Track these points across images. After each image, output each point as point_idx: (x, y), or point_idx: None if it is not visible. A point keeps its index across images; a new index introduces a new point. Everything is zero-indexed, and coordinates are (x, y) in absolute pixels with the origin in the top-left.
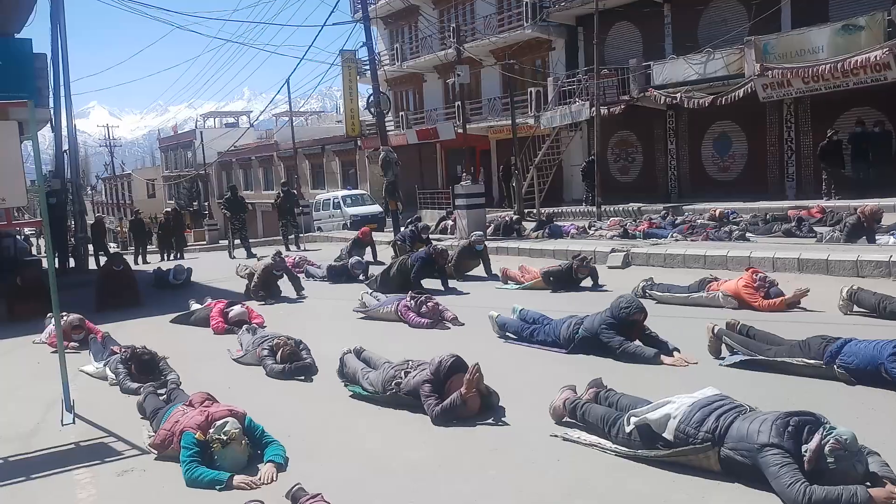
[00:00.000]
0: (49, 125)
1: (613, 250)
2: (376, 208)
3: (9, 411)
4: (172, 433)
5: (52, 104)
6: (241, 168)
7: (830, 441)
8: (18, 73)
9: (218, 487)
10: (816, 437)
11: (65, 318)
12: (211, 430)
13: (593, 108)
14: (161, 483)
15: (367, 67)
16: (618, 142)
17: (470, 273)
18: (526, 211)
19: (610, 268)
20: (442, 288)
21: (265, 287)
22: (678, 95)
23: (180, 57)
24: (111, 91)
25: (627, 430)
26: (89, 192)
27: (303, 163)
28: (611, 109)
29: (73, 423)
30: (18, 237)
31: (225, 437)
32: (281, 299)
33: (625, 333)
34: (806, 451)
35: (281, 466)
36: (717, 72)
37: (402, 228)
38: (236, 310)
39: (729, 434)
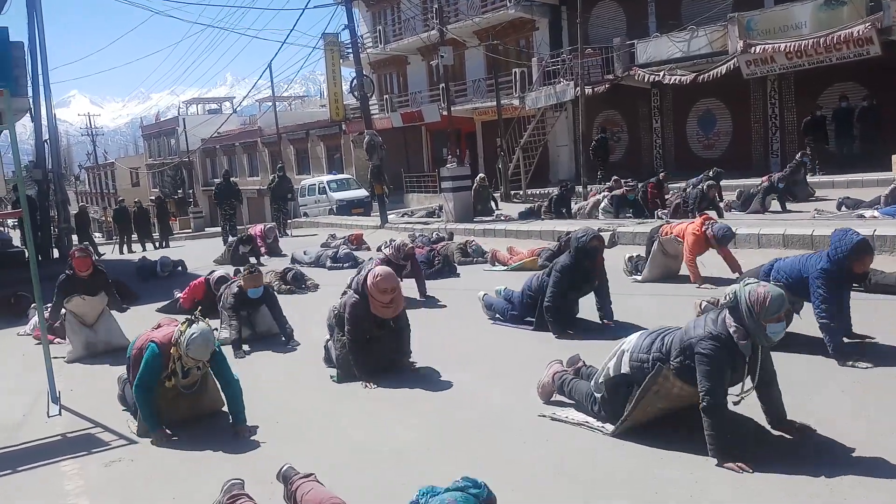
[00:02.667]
0: (28, 115)
1: (600, 230)
2: (362, 192)
3: None
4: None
5: (31, 93)
6: (224, 155)
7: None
8: None
9: (149, 429)
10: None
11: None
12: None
13: (578, 88)
14: (149, 473)
15: (350, 51)
16: (603, 121)
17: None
18: (512, 192)
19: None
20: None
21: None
22: (662, 73)
23: (161, 43)
24: (92, 79)
25: (598, 395)
26: (72, 181)
27: (287, 148)
28: (595, 89)
29: (60, 414)
30: (1, 229)
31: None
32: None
33: (586, 266)
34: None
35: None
36: (700, 49)
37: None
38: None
39: (672, 346)
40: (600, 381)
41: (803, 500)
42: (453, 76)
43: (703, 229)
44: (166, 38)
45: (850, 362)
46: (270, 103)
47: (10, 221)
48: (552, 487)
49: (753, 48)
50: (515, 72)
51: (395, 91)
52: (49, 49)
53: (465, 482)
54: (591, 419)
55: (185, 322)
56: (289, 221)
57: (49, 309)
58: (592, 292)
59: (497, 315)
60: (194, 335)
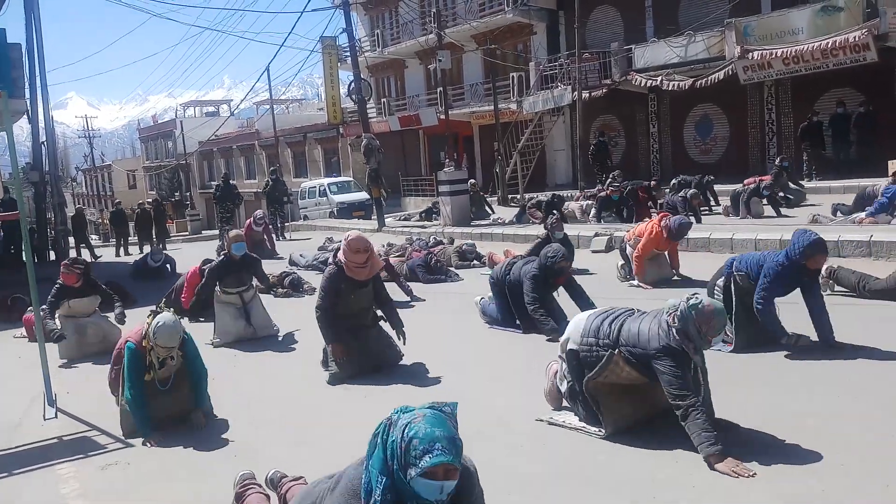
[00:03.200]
0: (26, 117)
1: (597, 234)
2: (363, 195)
3: None
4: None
5: (28, 95)
6: (222, 157)
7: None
8: None
9: (140, 432)
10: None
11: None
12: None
13: (575, 93)
14: (145, 476)
15: (348, 54)
16: (600, 126)
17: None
18: (510, 196)
19: (593, 252)
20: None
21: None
22: (659, 79)
23: (158, 45)
24: (89, 81)
25: (568, 385)
26: (69, 183)
27: (285, 151)
28: (593, 93)
29: (56, 417)
30: None
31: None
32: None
33: (550, 282)
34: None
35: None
36: (698, 54)
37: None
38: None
39: (622, 335)
40: (564, 361)
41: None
42: (451, 80)
43: (660, 224)
44: (164, 41)
45: (792, 341)
46: (268, 106)
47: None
48: (550, 491)
49: (751, 54)
50: (513, 76)
51: (393, 95)
52: (46, 51)
53: (433, 404)
54: (587, 425)
55: (150, 315)
56: (287, 225)
57: (44, 312)
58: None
59: (492, 319)
60: (160, 323)
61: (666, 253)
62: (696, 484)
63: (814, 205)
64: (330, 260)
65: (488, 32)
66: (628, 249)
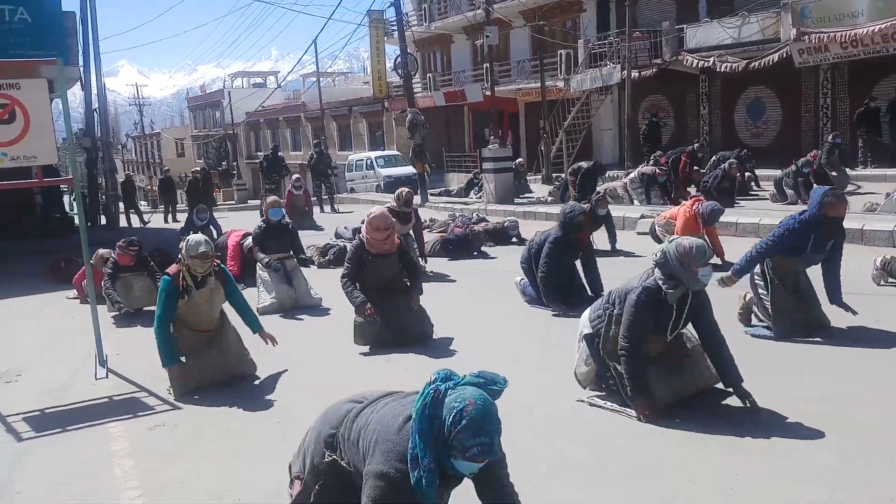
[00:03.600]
0: (79, 84)
1: (643, 216)
2: (410, 169)
3: (47, 365)
4: None
5: (81, 62)
6: (268, 128)
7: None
8: (48, 32)
9: (166, 363)
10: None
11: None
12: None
13: (624, 72)
14: (192, 437)
15: (395, 28)
16: (649, 106)
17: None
18: (554, 175)
19: (639, 234)
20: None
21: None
22: (711, 59)
23: (208, 16)
24: (140, 50)
25: (585, 367)
26: (119, 150)
27: (330, 124)
28: (642, 73)
29: (107, 377)
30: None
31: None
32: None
33: (573, 242)
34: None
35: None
36: (752, 36)
37: None
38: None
39: (616, 296)
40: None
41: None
42: (497, 56)
43: (692, 209)
44: (214, 12)
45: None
46: (314, 79)
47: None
48: (590, 475)
49: (807, 36)
50: (561, 53)
51: (439, 70)
52: (99, 19)
53: (483, 376)
54: (627, 408)
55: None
56: (335, 196)
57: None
58: (582, 267)
59: (531, 299)
60: (190, 241)
61: (704, 235)
62: (739, 475)
63: (870, 193)
64: (356, 235)
65: (537, 8)
66: (657, 229)
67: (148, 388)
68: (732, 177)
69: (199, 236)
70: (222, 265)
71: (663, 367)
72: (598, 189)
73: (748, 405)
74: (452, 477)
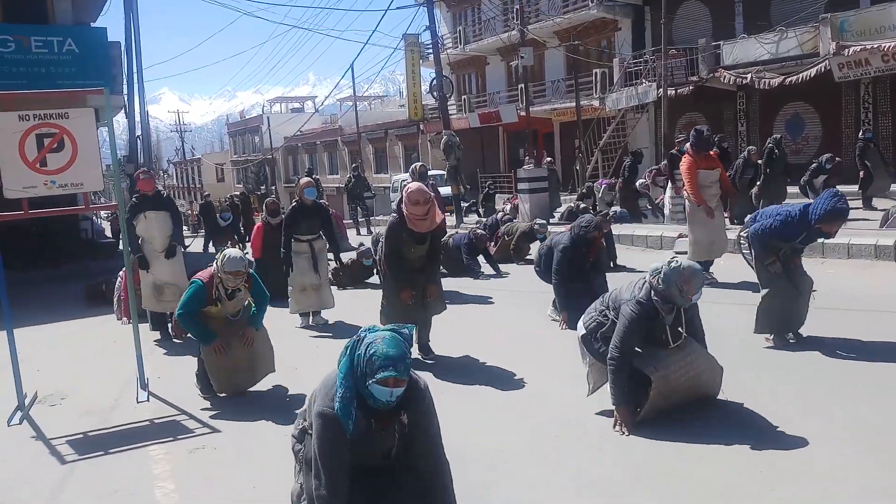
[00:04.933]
0: (123, 111)
1: (681, 235)
2: (449, 190)
3: (90, 387)
4: None
5: (125, 91)
6: (306, 153)
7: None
8: (95, 62)
9: (203, 342)
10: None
11: None
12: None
13: (660, 90)
14: (231, 461)
15: (430, 51)
16: (685, 124)
17: (529, 256)
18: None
19: (677, 253)
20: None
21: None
22: (749, 76)
23: (248, 43)
24: (181, 77)
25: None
26: (161, 175)
27: (366, 147)
28: (678, 91)
29: (148, 400)
30: (95, 219)
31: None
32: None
33: (583, 251)
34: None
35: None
36: (790, 51)
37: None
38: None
39: (610, 300)
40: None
41: None
42: (532, 76)
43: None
44: (253, 39)
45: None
46: (351, 103)
47: (103, 213)
48: (624, 499)
49: (847, 50)
50: (596, 72)
51: (474, 91)
52: (142, 48)
53: (395, 328)
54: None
55: (219, 252)
56: (371, 219)
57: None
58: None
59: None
60: (227, 255)
61: (719, 183)
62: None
63: None
64: (393, 208)
65: (571, 28)
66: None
67: (188, 410)
68: (753, 162)
69: (237, 252)
70: (252, 272)
71: (677, 377)
72: (608, 210)
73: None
74: (385, 418)
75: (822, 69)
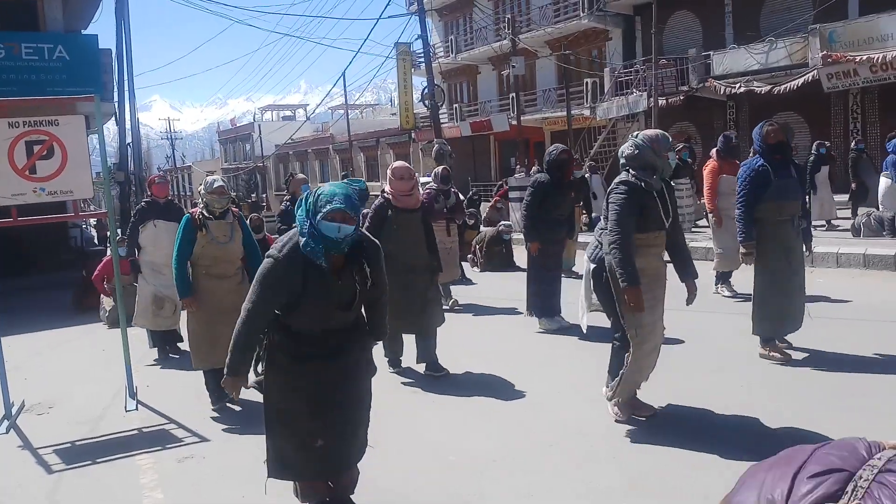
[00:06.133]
0: (113, 119)
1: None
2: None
3: (78, 396)
4: None
5: (116, 98)
6: (297, 160)
7: None
8: (85, 69)
9: (181, 294)
10: None
11: None
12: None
13: (651, 99)
14: (220, 470)
15: (422, 60)
16: (676, 133)
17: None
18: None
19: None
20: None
21: None
22: (738, 85)
23: (239, 51)
24: (172, 85)
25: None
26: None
27: (357, 155)
28: (669, 100)
29: (136, 409)
30: (84, 227)
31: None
32: None
33: (561, 178)
34: None
35: None
36: (779, 61)
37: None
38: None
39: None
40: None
41: None
42: (524, 86)
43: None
44: (245, 47)
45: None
46: (343, 111)
47: (92, 221)
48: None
49: (835, 60)
50: (587, 82)
51: (465, 100)
52: (133, 55)
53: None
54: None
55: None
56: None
57: (126, 244)
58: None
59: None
60: (207, 179)
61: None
62: None
63: None
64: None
65: (562, 38)
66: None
67: (177, 419)
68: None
69: (216, 176)
70: (242, 217)
71: (651, 346)
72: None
73: (688, 303)
74: (340, 265)
75: (809, 79)
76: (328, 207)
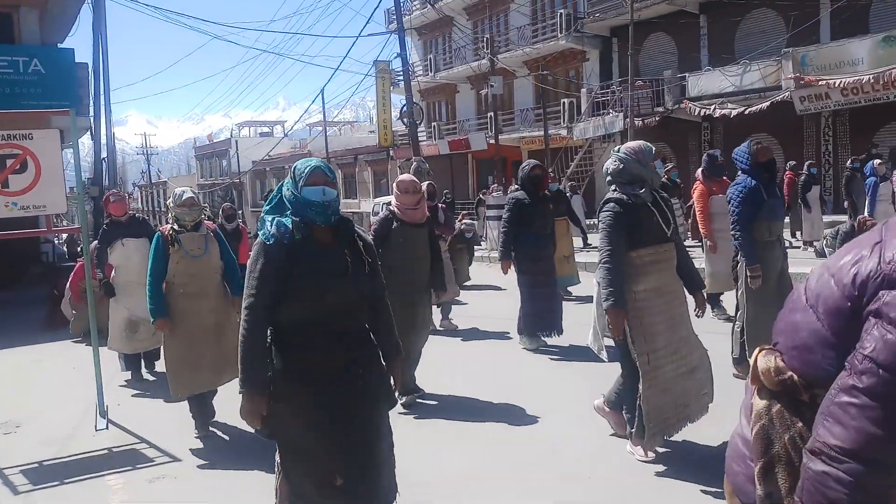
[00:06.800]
0: (89, 133)
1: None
2: None
3: (47, 414)
4: None
5: (92, 112)
6: (274, 177)
7: None
8: (61, 82)
9: (153, 315)
10: None
11: None
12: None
13: (627, 120)
14: (193, 490)
15: (401, 78)
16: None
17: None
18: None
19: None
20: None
21: None
22: (713, 107)
23: (217, 67)
24: (149, 100)
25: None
26: (126, 199)
27: (336, 172)
28: (645, 121)
29: (107, 428)
30: (56, 243)
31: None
32: None
33: (537, 192)
34: None
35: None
36: (753, 84)
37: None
38: None
39: None
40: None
41: None
42: (501, 105)
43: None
44: (223, 62)
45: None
46: (321, 128)
47: (63, 236)
48: None
49: (807, 83)
50: (564, 102)
51: (444, 118)
52: (110, 69)
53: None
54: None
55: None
56: None
57: (96, 267)
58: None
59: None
60: (176, 192)
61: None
62: None
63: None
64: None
65: (540, 58)
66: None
67: (148, 439)
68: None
69: (185, 188)
70: (217, 230)
71: (675, 369)
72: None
73: (698, 316)
74: (327, 235)
75: (784, 100)
76: (307, 170)
